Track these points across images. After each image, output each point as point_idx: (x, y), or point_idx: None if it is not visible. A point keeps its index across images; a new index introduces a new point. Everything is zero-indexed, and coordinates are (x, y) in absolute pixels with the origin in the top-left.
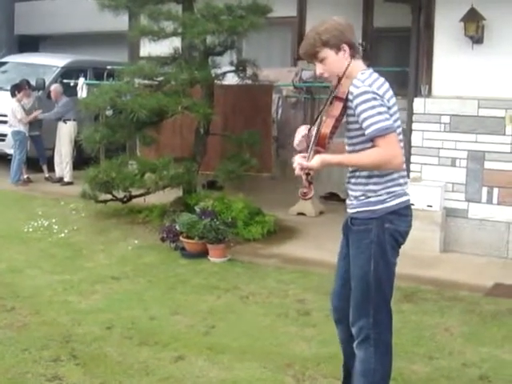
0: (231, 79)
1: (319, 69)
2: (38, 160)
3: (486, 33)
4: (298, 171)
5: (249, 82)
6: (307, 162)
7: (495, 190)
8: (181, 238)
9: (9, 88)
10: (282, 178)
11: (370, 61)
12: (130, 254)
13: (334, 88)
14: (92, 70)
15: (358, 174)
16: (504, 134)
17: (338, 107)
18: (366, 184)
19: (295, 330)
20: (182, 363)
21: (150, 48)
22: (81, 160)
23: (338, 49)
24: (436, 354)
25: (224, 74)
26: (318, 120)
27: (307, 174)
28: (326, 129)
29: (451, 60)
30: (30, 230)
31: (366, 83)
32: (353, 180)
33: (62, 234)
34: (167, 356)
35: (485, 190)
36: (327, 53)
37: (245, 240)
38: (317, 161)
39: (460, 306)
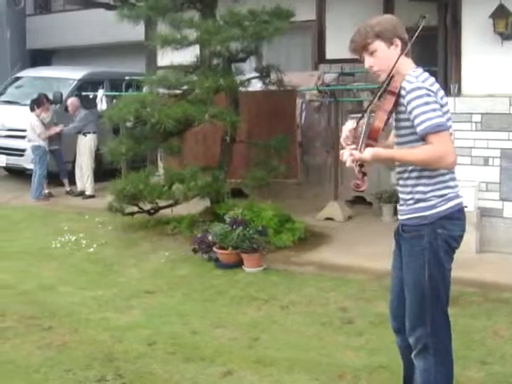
0: (254, 85)
1: (368, 62)
2: (59, 174)
3: None
4: (349, 163)
5: (273, 87)
6: (359, 153)
7: None
8: (214, 249)
9: (25, 103)
10: (307, 183)
11: None
12: (162, 267)
13: (383, 83)
14: (108, 81)
15: (406, 175)
16: None
17: (390, 101)
18: (415, 185)
19: (341, 339)
20: (230, 378)
21: (168, 57)
22: (100, 173)
23: (390, 42)
24: (488, 358)
25: (248, 80)
26: (367, 113)
27: (360, 166)
28: (379, 122)
29: (480, 58)
30: (58, 245)
31: (419, 79)
32: (401, 182)
33: (91, 249)
34: (215, 371)
35: None
36: (379, 45)
37: (276, 248)
38: (369, 153)
39: (506, 308)
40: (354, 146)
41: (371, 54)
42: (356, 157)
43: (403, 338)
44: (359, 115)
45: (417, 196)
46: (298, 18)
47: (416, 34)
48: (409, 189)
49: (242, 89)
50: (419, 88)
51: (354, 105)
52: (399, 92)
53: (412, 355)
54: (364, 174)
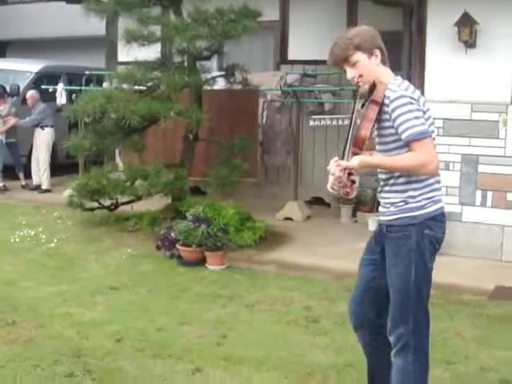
0: (216, 84)
1: (350, 73)
2: (13, 167)
3: (479, 37)
4: (338, 173)
5: (238, 86)
6: (346, 162)
7: (489, 194)
8: (177, 246)
9: None
10: (266, 182)
11: None
12: (124, 263)
13: (367, 93)
14: (66, 75)
15: (392, 181)
16: (497, 138)
17: (374, 110)
18: (405, 191)
19: (308, 339)
20: (199, 376)
21: (129, 53)
22: (55, 167)
23: (370, 53)
24: (452, 358)
25: (213, 78)
26: (352, 124)
27: (349, 174)
28: (365, 131)
29: (444, 64)
30: (17, 239)
31: (401, 87)
32: (386, 188)
33: (52, 244)
34: (184, 368)
35: (479, 193)
36: (360, 56)
37: (238, 246)
38: (356, 160)
39: (467, 310)
40: (337, 158)
41: (353, 65)
42: (343, 165)
43: (364, 334)
44: (321, 117)
45: (408, 200)
46: (262, 18)
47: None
48: (398, 194)
49: (206, 87)
50: (403, 96)
51: (315, 106)
52: (382, 101)
53: (391, 354)
54: (353, 182)
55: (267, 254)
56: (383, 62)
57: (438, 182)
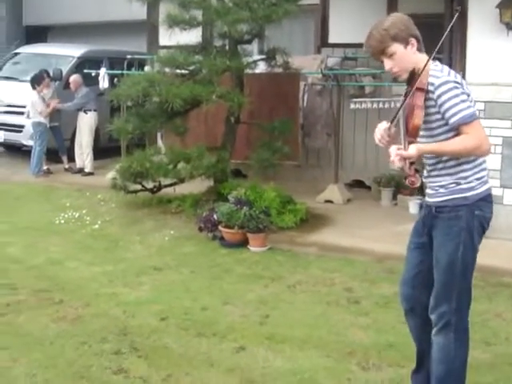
0: (257, 67)
1: (388, 64)
2: (57, 151)
3: None
4: (397, 162)
5: (279, 70)
6: (405, 151)
7: None
8: (220, 228)
9: (24, 79)
10: (307, 165)
11: None
12: (167, 245)
13: (408, 82)
14: (107, 59)
15: (441, 165)
16: None
17: (421, 97)
18: (456, 173)
19: (349, 319)
20: (244, 354)
21: (171, 37)
22: (98, 150)
23: (406, 43)
24: (492, 339)
25: (255, 62)
26: (400, 112)
27: (411, 164)
28: (418, 119)
29: (486, 47)
30: (62, 221)
31: (444, 73)
32: (435, 172)
33: (96, 226)
34: (228, 347)
35: None
36: (396, 48)
37: (279, 229)
38: (414, 149)
39: (507, 292)
40: (398, 146)
41: (390, 56)
42: (404, 155)
43: (414, 317)
44: (361, 100)
45: (459, 180)
46: (302, 2)
47: (449, 26)
48: (448, 177)
49: (248, 70)
50: (447, 82)
51: (355, 89)
52: (427, 88)
53: (433, 332)
54: (416, 171)
55: (308, 235)
56: (419, 49)
57: (485, 161)
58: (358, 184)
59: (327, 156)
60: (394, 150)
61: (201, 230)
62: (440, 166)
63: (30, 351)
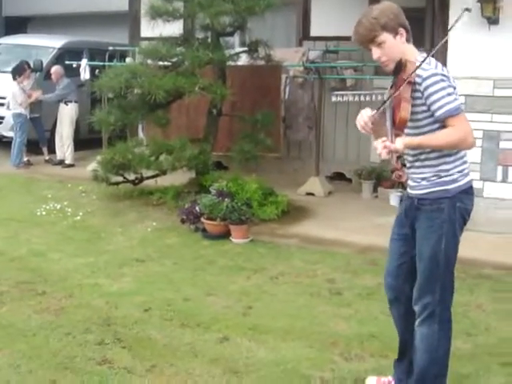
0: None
1: (376, 53)
2: (37, 142)
3: (502, 14)
4: (385, 155)
5: (261, 62)
6: (393, 145)
7: (510, 169)
8: (202, 220)
9: (3, 70)
10: (288, 158)
11: None
12: (150, 236)
13: (394, 72)
14: (88, 51)
15: (424, 156)
16: None
17: (408, 90)
18: (437, 165)
19: (331, 309)
20: (227, 344)
21: (152, 29)
22: (78, 142)
23: (395, 32)
24: (472, 330)
25: (237, 54)
26: (387, 104)
27: (398, 157)
28: (406, 113)
29: (467, 41)
30: (44, 213)
31: (431, 66)
32: (418, 163)
33: (78, 217)
34: (211, 337)
35: (500, 169)
36: (386, 37)
37: (261, 220)
38: (401, 143)
39: (488, 284)
40: (385, 138)
41: (378, 45)
42: (391, 148)
43: (398, 307)
44: (343, 93)
45: (440, 173)
46: None
47: (454, 24)
48: (430, 169)
49: (230, 63)
50: (435, 74)
51: (337, 82)
52: (414, 80)
53: (416, 322)
54: (403, 165)
55: (290, 227)
56: (407, 39)
57: (466, 154)
58: (338, 176)
59: (308, 148)
60: (379, 143)
61: (183, 221)
62: (423, 156)
63: (13, 342)
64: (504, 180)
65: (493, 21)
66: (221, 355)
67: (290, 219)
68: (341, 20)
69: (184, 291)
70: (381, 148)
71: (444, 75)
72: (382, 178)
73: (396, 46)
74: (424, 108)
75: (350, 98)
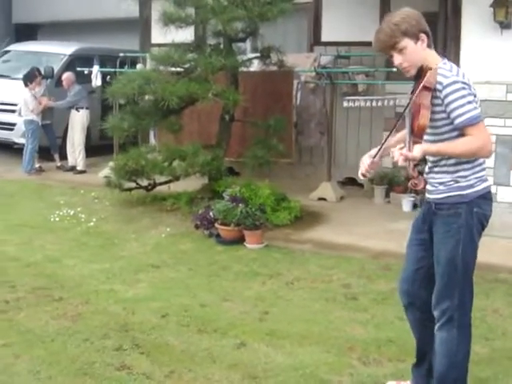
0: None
1: (398, 59)
2: (49, 149)
3: None
4: (401, 162)
5: (273, 68)
6: (410, 153)
7: None
8: (216, 225)
9: (15, 77)
10: (300, 163)
11: None
12: (164, 242)
13: (415, 78)
14: (99, 57)
15: (443, 162)
16: None
17: (427, 97)
18: (455, 171)
19: (347, 315)
20: (245, 350)
21: (163, 35)
22: (89, 148)
23: (416, 38)
24: (490, 334)
25: (249, 60)
26: (407, 111)
27: (415, 165)
28: (425, 120)
29: (479, 45)
30: (57, 219)
31: (453, 73)
32: (436, 169)
33: (91, 223)
34: (229, 343)
35: None
36: (407, 42)
37: (274, 226)
38: (418, 151)
39: (503, 288)
40: (402, 145)
41: (400, 51)
42: (409, 156)
43: (414, 312)
44: (354, 98)
45: (458, 179)
46: (296, 0)
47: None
48: (448, 175)
49: (242, 68)
50: (455, 82)
51: (348, 87)
52: (435, 87)
53: (435, 327)
54: (420, 173)
55: (303, 233)
56: (428, 45)
57: (485, 161)
58: (350, 182)
59: (320, 154)
60: (396, 150)
61: (197, 227)
62: (442, 162)
63: (31, 348)
64: None
65: (505, 25)
66: (239, 361)
67: (304, 224)
68: (352, 25)
69: (200, 297)
70: (397, 156)
71: (465, 83)
72: (394, 183)
73: (417, 52)
74: (444, 115)
75: (362, 104)
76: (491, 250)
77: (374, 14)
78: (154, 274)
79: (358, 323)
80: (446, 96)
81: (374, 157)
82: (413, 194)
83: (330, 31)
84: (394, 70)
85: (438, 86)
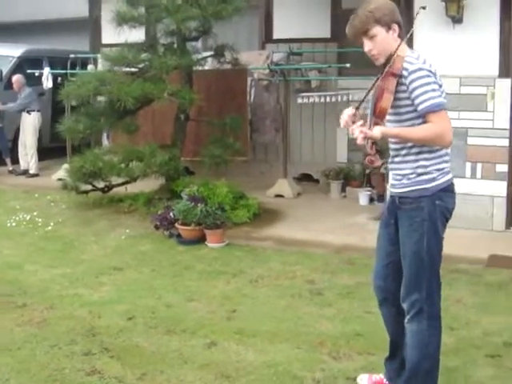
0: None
1: (368, 46)
2: (0, 153)
3: (466, 12)
4: (360, 140)
5: (227, 66)
6: (369, 131)
7: (478, 165)
8: (176, 225)
9: None
10: (254, 161)
11: (339, 42)
12: (124, 244)
13: (384, 66)
14: (48, 59)
15: (405, 151)
16: (486, 111)
17: (393, 82)
18: (416, 160)
19: (314, 310)
20: (215, 349)
21: (115, 35)
22: (40, 151)
23: (388, 27)
24: (455, 324)
25: (204, 59)
26: (371, 93)
27: (373, 143)
28: (387, 102)
29: (432, 39)
30: (14, 224)
31: (419, 61)
32: (398, 159)
33: (49, 227)
34: (199, 343)
35: (468, 165)
36: (378, 30)
37: (233, 224)
38: (378, 130)
39: (464, 279)
40: (362, 122)
41: (371, 38)
42: (368, 134)
43: (388, 307)
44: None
45: (418, 170)
46: None
47: (414, 25)
48: (409, 164)
49: (198, 67)
50: (421, 69)
51: (301, 84)
52: (401, 73)
53: (405, 320)
54: (377, 151)
55: (263, 230)
56: (400, 36)
57: (448, 154)
58: (305, 178)
59: (274, 151)
60: (357, 127)
61: (157, 227)
62: (404, 151)
63: None
64: (473, 176)
65: (457, 20)
66: (210, 360)
67: (262, 222)
68: (303, 22)
69: (165, 298)
70: (358, 132)
71: (430, 71)
72: (349, 177)
73: (387, 41)
74: (408, 102)
75: (316, 100)
76: (449, 241)
77: (325, 10)
78: (116, 277)
79: (325, 318)
80: (411, 82)
81: (357, 108)
82: (369, 188)
83: (281, 28)
84: (348, 65)
85: (404, 73)
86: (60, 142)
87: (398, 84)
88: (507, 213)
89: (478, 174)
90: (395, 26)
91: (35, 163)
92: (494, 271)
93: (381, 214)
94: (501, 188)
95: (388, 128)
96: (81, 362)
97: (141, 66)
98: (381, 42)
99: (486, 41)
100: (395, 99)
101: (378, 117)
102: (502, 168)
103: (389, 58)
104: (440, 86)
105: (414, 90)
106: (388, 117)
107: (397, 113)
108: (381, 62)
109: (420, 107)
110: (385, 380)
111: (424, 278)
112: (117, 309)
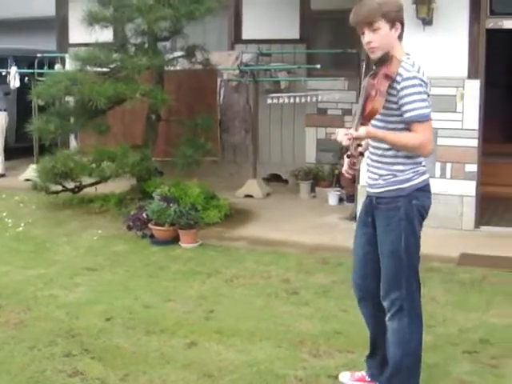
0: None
1: (368, 37)
2: None
3: (436, 15)
4: (345, 142)
5: (198, 66)
6: (355, 132)
7: (448, 165)
8: (150, 226)
9: None
10: (223, 161)
11: (308, 43)
12: (96, 245)
13: (376, 63)
14: (13, 58)
15: (380, 152)
16: (455, 112)
17: (385, 85)
18: (393, 164)
19: (291, 309)
20: (196, 349)
21: (84, 35)
22: (4, 151)
23: (392, 25)
24: (431, 321)
25: (175, 59)
26: (361, 96)
27: (358, 145)
28: (379, 105)
29: (403, 42)
30: None
31: (415, 68)
32: (374, 157)
33: (20, 228)
34: (179, 343)
35: (438, 165)
36: (383, 25)
37: (205, 224)
38: (363, 131)
39: (438, 277)
40: (346, 128)
41: (374, 30)
42: (353, 135)
43: (367, 305)
44: (278, 95)
45: (395, 173)
46: None
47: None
48: (386, 166)
49: (170, 67)
50: (415, 77)
51: (270, 84)
52: (395, 77)
53: (386, 318)
54: (361, 154)
55: (235, 230)
56: (400, 37)
57: (423, 159)
58: (274, 178)
59: (244, 151)
60: (341, 131)
61: (130, 228)
62: (379, 152)
63: None
64: (442, 176)
65: (427, 22)
66: (192, 360)
67: (234, 222)
68: (272, 23)
69: (142, 298)
70: (342, 134)
71: (423, 81)
72: (318, 178)
73: (389, 38)
74: (395, 106)
75: (286, 100)
76: (421, 240)
77: (294, 12)
78: (91, 277)
79: (303, 317)
80: (403, 89)
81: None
82: (338, 188)
83: (250, 29)
84: (318, 66)
85: (398, 78)
86: (25, 142)
87: (390, 87)
88: (476, 212)
89: (448, 174)
90: (398, 26)
91: (1, 163)
92: (466, 269)
93: (351, 214)
94: (470, 188)
95: (375, 129)
96: (62, 364)
97: (112, 66)
98: (382, 36)
99: (455, 42)
100: (384, 102)
101: (366, 118)
102: (471, 168)
103: (384, 57)
104: (428, 95)
105: (404, 96)
106: (373, 120)
107: (383, 114)
108: (376, 55)
109: (407, 115)
110: (367, 377)
111: (403, 277)
112: (94, 310)
